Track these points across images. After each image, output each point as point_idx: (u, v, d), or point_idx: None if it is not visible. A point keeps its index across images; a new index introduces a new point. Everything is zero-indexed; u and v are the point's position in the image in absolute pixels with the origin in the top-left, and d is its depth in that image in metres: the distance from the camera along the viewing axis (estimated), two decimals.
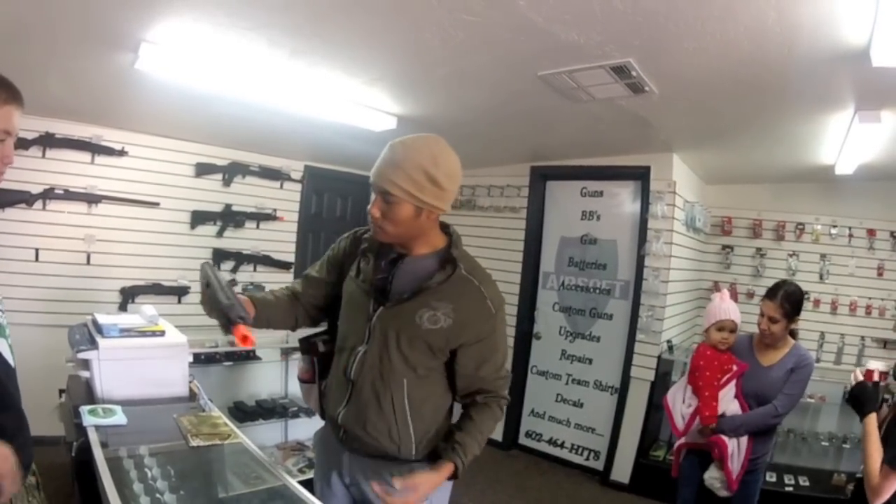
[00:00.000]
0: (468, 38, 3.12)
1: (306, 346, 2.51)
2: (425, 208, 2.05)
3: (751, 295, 5.85)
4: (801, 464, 5.27)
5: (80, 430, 2.48)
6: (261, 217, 5.90)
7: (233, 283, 1.89)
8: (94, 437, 2.35)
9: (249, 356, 5.26)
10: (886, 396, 2.67)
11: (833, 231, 5.73)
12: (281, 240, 6.05)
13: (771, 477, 4.96)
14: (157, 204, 5.24)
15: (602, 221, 5.80)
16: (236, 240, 5.76)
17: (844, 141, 4.14)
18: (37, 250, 4.72)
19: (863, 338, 5.62)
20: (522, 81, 3.72)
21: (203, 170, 5.52)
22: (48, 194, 4.70)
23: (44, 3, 2.89)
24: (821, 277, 5.78)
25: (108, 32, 3.21)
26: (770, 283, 3.46)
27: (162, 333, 2.99)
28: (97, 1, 2.88)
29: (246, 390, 5.34)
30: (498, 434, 6.16)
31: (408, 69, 3.78)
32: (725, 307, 3.41)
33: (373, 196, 2.10)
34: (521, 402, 6.28)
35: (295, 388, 4.55)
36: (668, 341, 5.38)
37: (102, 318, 2.93)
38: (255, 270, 5.82)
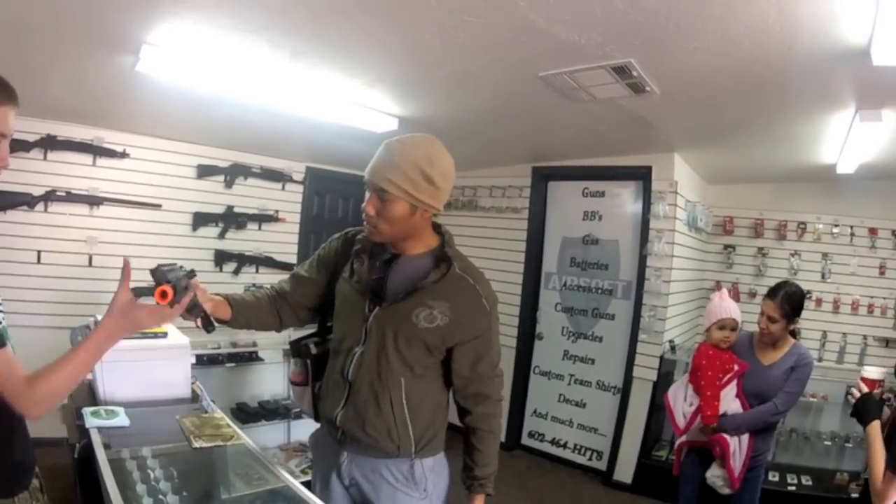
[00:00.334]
0: (469, 39, 3.11)
1: (298, 348, 2.52)
2: (420, 207, 2.07)
3: (753, 294, 5.84)
4: (803, 463, 5.28)
5: (83, 431, 2.51)
6: (263, 218, 5.90)
7: (192, 273, 1.89)
8: (96, 439, 2.38)
9: (252, 358, 5.29)
10: (888, 396, 2.67)
11: (835, 230, 5.73)
12: (283, 241, 6.06)
13: (773, 476, 4.97)
14: (159, 206, 5.24)
15: (604, 222, 5.81)
16: (238, 241, 5.77)
17: (846, 140, 4.14)
18: (39, 252, 4.73)
19: (865, 337, 5.61)
20: (523, 82, 3.71)
21: (205, 171, 5.52)
22: (50, 196, 4.70)
23: (45, 5, 2.88)
24: (823, 276, 5.78)
25: (110, 34, 3.21)
26: (772, 282, 3.47)
27: (164, 335, 2.99)
28: (98, 3, 2.88)
29: (248, 391, 5.36)
30: (501, 434, 6.11)
31: (408, 70, 3.78)
32: (726, 306, 3.42)
33: (367, 195, 2.11)
34: (523, 403, 6.29)
35: None
36: (671, 341, 5.37)
37: None
38: (257, 272, 5.83)
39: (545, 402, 6.18)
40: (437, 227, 2.29)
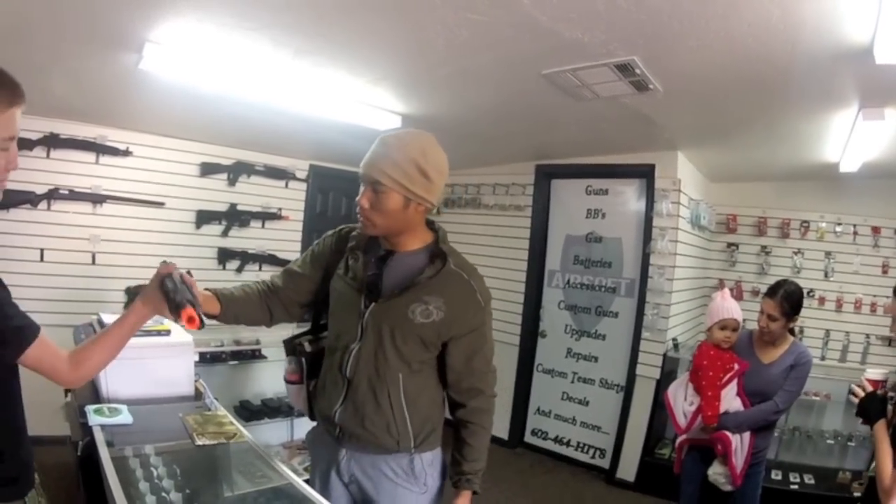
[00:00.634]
0: (472, 37, 3.11)
1: (292, 346, 2.53)
2: (414, 200, 2.08)
3: (756, 293, 5.84)
4: (806, 462, 5.28)
5: (86, 429, 2.48)
6: (266, 216, 5.91)
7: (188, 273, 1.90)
8: (99, 437, 2.35)
9: (255, 355, 5.27)
10: (893, 395, 2.67)
11: (838, 229, 5.73)
12: (286, 239, 6.06)
13: (776, 475, 4.97)
14: (163, 204, 5.25)
15: (607, 219, 5.81)
16: (242, 239, 5.78)
17: (849, 138, 4.14)
18: (42, 250, 4.73)
19: (867, 336, 5.63)
20: (526, 80, 3.72)
21: (208, 169, 5.53)
22: (53, 195, 4.71)
23: (48, 3, 2.89)
24: (825, 275, 5.79)
25: (113, 33, 3.21)
26: (775, 280, 3.46)
27: (167, 333, 2.98)
28: (101, 1, 2.88)
29: (251, 389, 5.35)
30: (504, 432, 6.19)
31: (411, 68, 3.79)
32: (727, 306, 3.42)
33: (361, 188, 2.12)
34: (526, 401, 6.29)
35: None
36: (674, 339, 5.37)
37: (108, 318, 2.90)
38: (260, 269, 5.82)
39: (548, 399, 6.18)
40: (430, 224, 2.30)
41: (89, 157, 4.88)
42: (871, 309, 5.62)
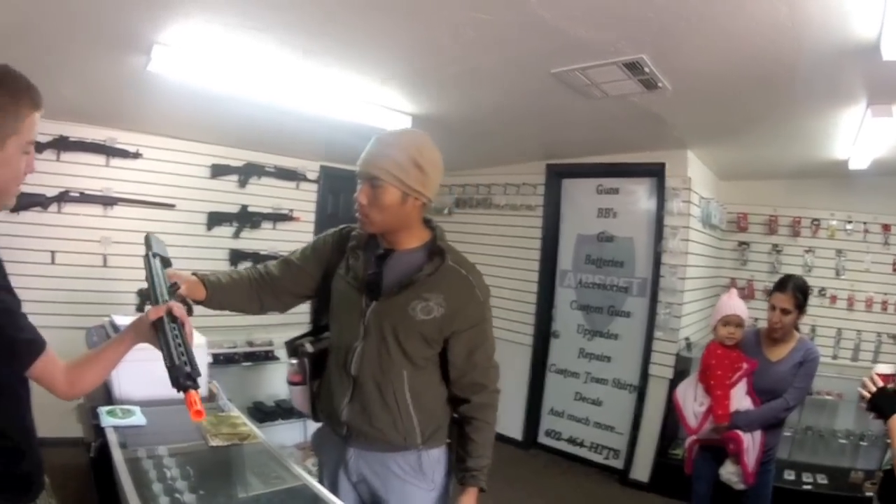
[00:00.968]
0: (480, 36, 3.13)
1: (294, 348, 2.55)
2: (411, 194, 2.12)
3: (768, 291, 5.80)
4: (818, 461, 5.24)
5: (99, 431, 2.53)
6: (277, 217, 5.92)
7: (174, 287, 1.83)
8: (112, 438, 2.40)
9: (268, 356, 5.32)
10: None
11: (848, 227, 5.71)
12: (298, 240, 5.95)
13: (789, 475, 4.95)
14: (173, 206, 5.27)
15: (618, 219, 5.79)
16: (253, 240, 5.79)
17: (857, 135, 4.13)
18: (52, 253, 4.76)
19: (879, 334, 5.61)
20: (535, 79, 3.72)
21: (218, 171, 5.55)
22: (63, 197, 4.74)
23: (57, 5, 2.92)
24: (837, 273, 5.77)
25: (121, 35, 3.24)
26: None
27: None
28: (109, 4, 2.91)
29: (265, 390, 5.38)
30: (517, 432, 6.19)
31: (419, 68, 3.81)
32: (731, 303, 3.45)
33: (359, 186, 2.18)
34: (540, 401, 6.27)
35: None
36: (686, 339, 5.37)
37: (120, 320, 2.94)
38: None
39: (561, 400, 6.16)
40: (427, 222, 2.33)
41: (99, 159, 4.90)
42: (883, 307, 5.60)
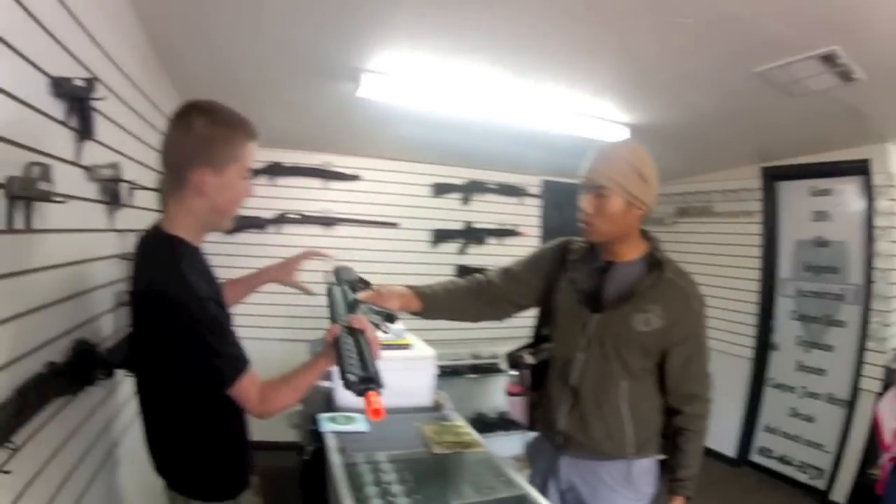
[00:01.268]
0: (682, 41, 3.22)
1: (514, 360, 2.64)
2: (634, 203, 2.19)
3: None
4: None
5: (315, 436, 2.72)
6: (502, 233, 6.12)
7: (354, 304, 1.92)
8: (331, 443, 2.54)
9: (493, 369, 5.48)
10: None
11: None
12: (523, 255, 6.10)
13: None
14: (396, 224, 5.64)
15: (831, 222, 5.45)
16: (478, 256, 6.02)
17: None
18: None
19: None
20: (740, 79, 3.66)
21: (441, 189, 5.91)
22: (282, 219, 5.16)
23: (272, 42, 3.31)
24: None
25: (334, 65, 3.60)
26: None
27: (409, 346, 3.14)
28: (323, 39, 3.21)
29: (488, 402, 5.59)
30: (730, 449, 5.98)
31: (629, 77, 3.90)
32: None
33: (582, 197, 2.27)
34: (755, 417, 5.99)
35: None
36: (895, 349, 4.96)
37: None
38: None
39: (776, 416, 5.85)
40: (644, 234, 2.38)
41: (316, 182, 5.36)
42: None
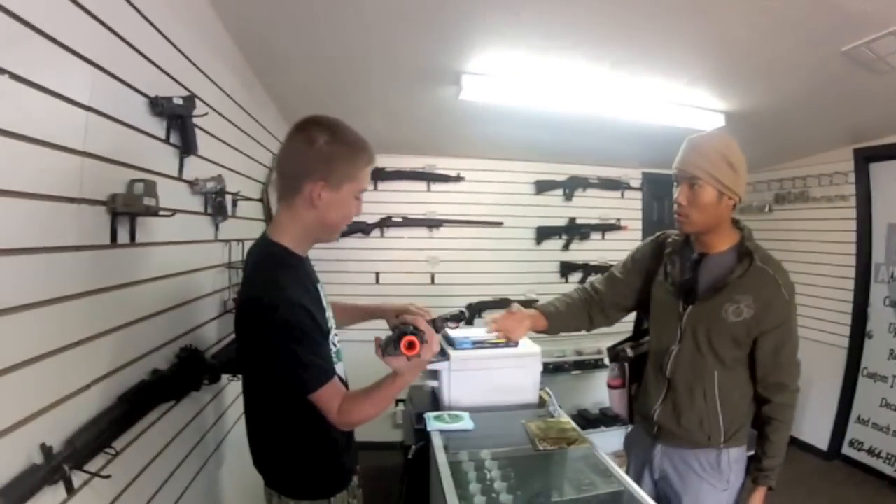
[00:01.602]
0: (772, 24, 3.12)
1: (615, 353, 2.73)
2: (725, 192, 2.24)
3: None
4: None
5: (420, 434, 2.74)
6: (605, 228, 6.09)
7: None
8: (437, 442, 2.54)
9: (596, 365, 5.45)
10: None
11: None
12: (627, 249, 5.97)
13: None
14: (500, 223, 5.64)
15: None
16: (582, 252, 6.02)
17: None
18: (377, 274, 5.34)
19: None
20: (829, 60, 3.54)
21: (543, 187, 5.88)
22: (385, 223, 5.29)
23: (379, 54, 3.42)
24: None
25: (436, 70, 3.68)
26: None
27: (515, 344, 3.21)
28: (424, 45, 3.34)
29: (590, 398, 5.55)
30: (822, 442, 5.71)
31: (720, 64, 3.77)
32: None
33: (676, 188, 2.34)
34: (848, 408, 5.66)
35: None
36: None
37: (453, 333, 3.08)
38: None
39: (868, 407, 5.51)
40: (736, 223, 2.41)
41: (420, 185, 5.40)
42: None
